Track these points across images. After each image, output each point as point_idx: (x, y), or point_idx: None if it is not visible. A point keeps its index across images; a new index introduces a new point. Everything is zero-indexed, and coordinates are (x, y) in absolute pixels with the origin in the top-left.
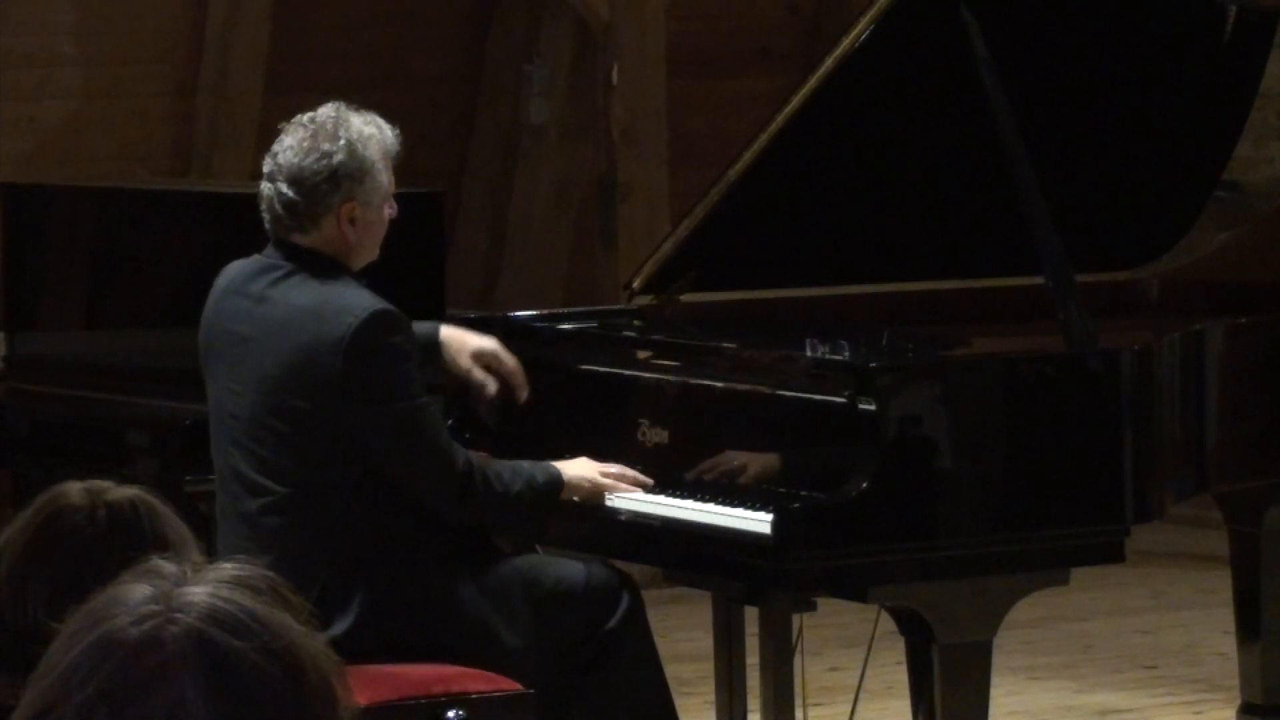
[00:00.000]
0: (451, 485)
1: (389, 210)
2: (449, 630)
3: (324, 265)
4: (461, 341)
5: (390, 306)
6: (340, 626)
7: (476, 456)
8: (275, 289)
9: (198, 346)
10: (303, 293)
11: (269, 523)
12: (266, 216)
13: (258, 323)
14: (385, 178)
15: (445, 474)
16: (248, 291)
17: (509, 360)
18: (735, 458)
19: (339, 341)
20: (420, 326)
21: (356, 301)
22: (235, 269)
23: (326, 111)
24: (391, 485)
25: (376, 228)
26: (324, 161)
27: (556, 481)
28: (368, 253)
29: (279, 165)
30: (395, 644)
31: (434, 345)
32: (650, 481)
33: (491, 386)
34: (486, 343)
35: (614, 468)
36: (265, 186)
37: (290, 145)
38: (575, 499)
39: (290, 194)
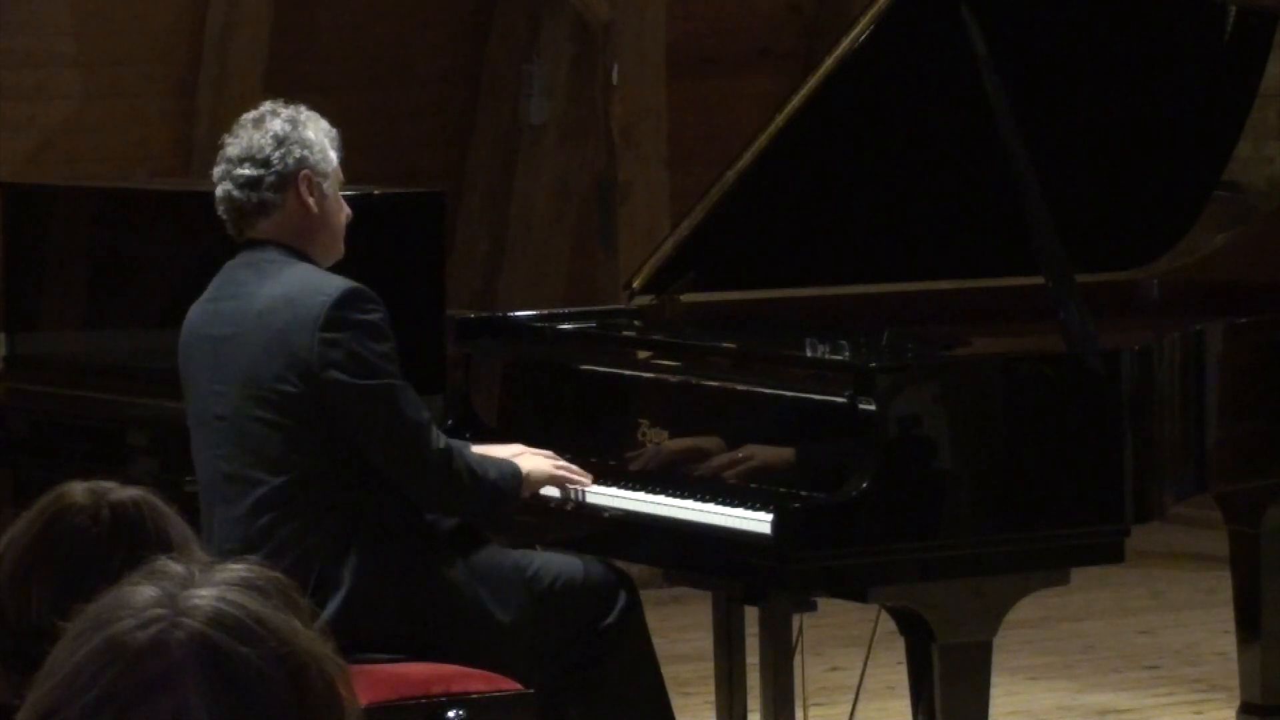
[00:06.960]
0: (432, 466)
1: (346, 212)
2: (440, 609)
3: (291, 256)
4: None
5: (363, 286)
6: (331, 607)
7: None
8: (247, 287)
9: (177, 366)
10: (275, 283)
11: (263, 519)
12: (227, 216)
13: (234, 320)
14: (333, 155)
15: (424, 454)
16: (221, 296)
17: (570, 468)
18: (735, 457)
19: (314, 320)
20: (504, 465)
21: (328, 281)
22: (210, 286)
23: (261, 109)
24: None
25: (335, 208)
26: (270, 135)
27: (518, 474)
28: (331, 240)
29: (229, 158)
30: (387, 624)
31: (518, 478)
32: (590, 477)
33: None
34: (548, 463)
35: (548, 454)
36: (219, 187)
37: (234, 139)
38: (539, 490)
39: (247, 171)
